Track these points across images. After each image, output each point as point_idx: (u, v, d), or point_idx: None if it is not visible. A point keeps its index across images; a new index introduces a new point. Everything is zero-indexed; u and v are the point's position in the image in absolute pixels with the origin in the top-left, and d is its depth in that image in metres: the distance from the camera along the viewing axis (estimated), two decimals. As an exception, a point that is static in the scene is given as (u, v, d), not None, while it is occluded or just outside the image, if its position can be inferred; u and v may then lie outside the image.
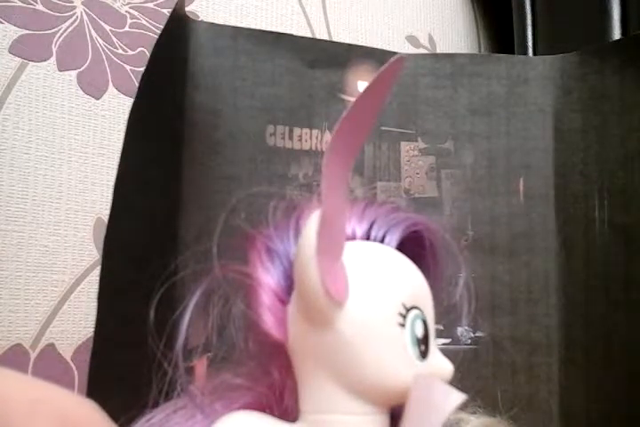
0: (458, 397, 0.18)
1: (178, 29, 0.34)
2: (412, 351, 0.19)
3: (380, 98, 0.18)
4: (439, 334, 0.37)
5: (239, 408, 0.20)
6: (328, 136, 0.38)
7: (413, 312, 0.20)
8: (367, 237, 0.21)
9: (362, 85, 0.39)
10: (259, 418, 0.20)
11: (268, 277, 0.20)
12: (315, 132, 0.38)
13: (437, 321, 0.21)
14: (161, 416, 0.21)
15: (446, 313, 0.23)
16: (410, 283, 0.20)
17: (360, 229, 0.21)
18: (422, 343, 0.20)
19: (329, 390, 0.19)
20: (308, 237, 0.18)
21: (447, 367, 0.20)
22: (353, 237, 0.21)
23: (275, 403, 0.21)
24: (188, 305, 0.22)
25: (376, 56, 0.39)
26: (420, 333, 0.20)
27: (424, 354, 0.20)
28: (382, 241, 0.21)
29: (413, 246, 0.22)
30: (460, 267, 0.23)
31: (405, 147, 0.39)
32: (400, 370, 0.19)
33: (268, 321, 0.20)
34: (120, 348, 0.28)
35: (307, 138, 0.37)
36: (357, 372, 0.19)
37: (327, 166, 0.18)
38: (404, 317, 0.19)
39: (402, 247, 0.21)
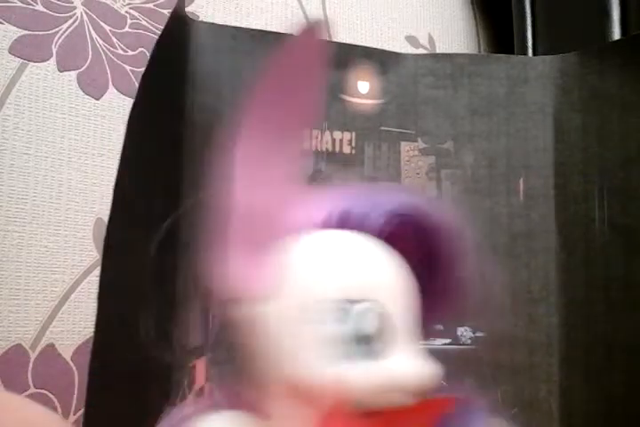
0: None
1: (178, 30, 0.34)
2: (346, 349, 0.17)
3: (304, 72, 0.17)
4: (439, 335, 0.37)
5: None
6: (328, 136, 0.38)
7: (363, 306, 0.17)
8: (342, 225, 0.19)
9: (362, 85, 0.39)
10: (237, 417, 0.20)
11: None
12: (315, 132, 0.38)
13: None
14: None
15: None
16: (354, 275, 0.18)
17: (330, 217, 0.19)
18: (369, 341, 0.17)
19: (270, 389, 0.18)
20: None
21: (407, 373, 0.17)
22: (323, 226, 0.19)
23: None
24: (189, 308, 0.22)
25: (376, 56, 0.39)
26: (366, 328, 0.17)
27: (371, 353, 0.17)
28: (363, 228, 0.19)
29: (404, 232, 0.20)
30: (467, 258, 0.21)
31: (405, 147, 0.39)
32: (316, 369, 0.17)
33: None
34: (120, 348, 0.28)
35: (307, 138, 0.37)
36: (277, 370, 0.18)
37: (238, 150, 0.17)
38: (336, 312, 0.17)
39: (393, 233, 0.19)
